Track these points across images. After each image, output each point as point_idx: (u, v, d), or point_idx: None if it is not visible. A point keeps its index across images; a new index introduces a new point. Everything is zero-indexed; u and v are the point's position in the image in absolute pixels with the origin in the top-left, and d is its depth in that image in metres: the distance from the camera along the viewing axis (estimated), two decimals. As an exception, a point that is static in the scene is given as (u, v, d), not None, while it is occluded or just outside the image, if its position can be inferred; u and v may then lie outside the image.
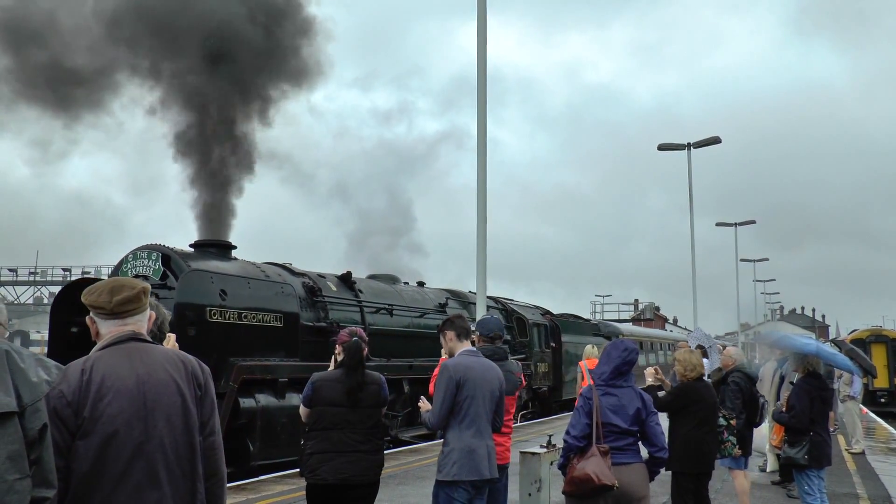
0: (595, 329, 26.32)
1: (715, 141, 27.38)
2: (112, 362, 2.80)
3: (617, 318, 75.66)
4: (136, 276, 11.05)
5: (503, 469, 5.98)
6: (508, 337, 18.13)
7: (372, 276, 16.44)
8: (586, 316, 35.42)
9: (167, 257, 10.96)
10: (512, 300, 21.20)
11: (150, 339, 3.02)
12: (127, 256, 11.30)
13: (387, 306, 14.65)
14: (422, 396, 5.61)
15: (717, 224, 42.79)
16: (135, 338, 2.92)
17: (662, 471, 5.48)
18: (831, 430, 8.08)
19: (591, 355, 13.97)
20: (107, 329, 2.93)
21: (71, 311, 9.97)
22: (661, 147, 28.00)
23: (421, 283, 17.57)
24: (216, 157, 12.68)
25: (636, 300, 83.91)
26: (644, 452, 5.24)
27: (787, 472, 9.31)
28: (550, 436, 7.42)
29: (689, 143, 27.68)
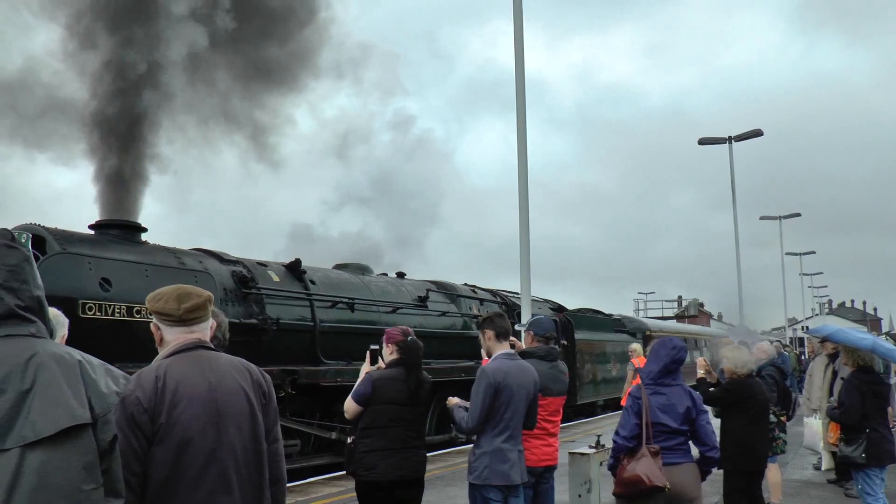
0: (617, 325, 23.68)
1: (757, 134, 26.54)
2: (184, 369, 2.89)
3: (661, 315, 73.43)
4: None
5: (550, 470, 6.02)
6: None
7: (339, 266, 14.21)
8: (630, 314, 33.09)
9: (41, 239, 8.86)
10: (516, 293, 18.80)
11: (214, 347, 3.13)
12: (-1, 239, 9.23)
13: (346, 300, 12.36)
14: (451, 399, 5.64)
15: (762, 218, 41.38)
16: (201, 345, 3.03)
17: (714, 470, 5.43)
18: (891, 426, 7.41)
19: (639, 353, 14.29)
20: (172, 336, 3.03)
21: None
22: (702, 141, 27.00)
23: (400, 274, 15.25)
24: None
25: (679, 297, 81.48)
26: (694, 452, 5.21)
27: (844, 470, 9.14)
28: (599, 436, 7.32)
29: (729, 137, 26.66)
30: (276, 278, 11.40)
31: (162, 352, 3.02)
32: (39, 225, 8.96)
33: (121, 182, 10.35)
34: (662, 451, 4.93)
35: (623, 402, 13.17)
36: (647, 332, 24.35)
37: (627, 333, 23.65)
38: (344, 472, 6.88)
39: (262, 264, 11.57)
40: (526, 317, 10.79)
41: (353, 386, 5.22)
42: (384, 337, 5.58)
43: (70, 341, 7.77)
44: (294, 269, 11.93)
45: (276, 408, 3.13)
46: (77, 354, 2.28)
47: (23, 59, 10.99)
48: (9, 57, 10.99)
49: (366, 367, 5.48)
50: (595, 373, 20.74)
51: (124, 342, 8.50)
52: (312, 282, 12.11)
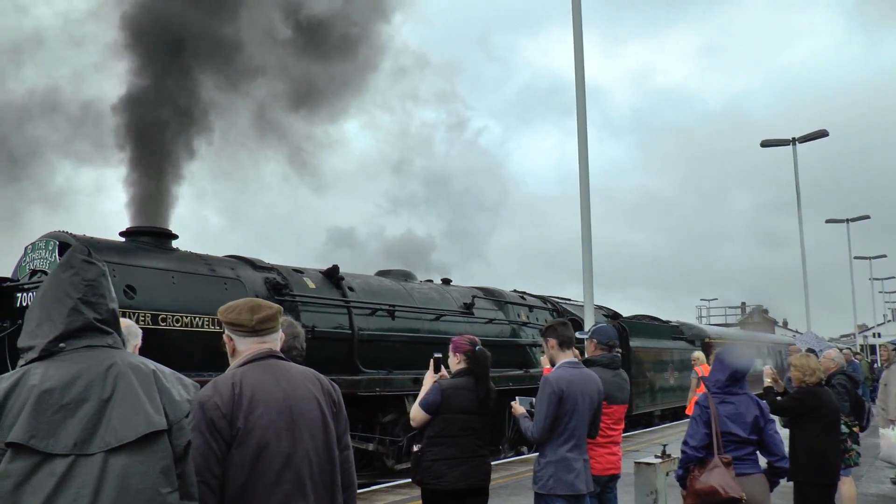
0: (675, 332, 22.82)
1: (822, 134, 25.84)
2: (258, 377, 2.99)
3: (724, 321, 71.70)
4: (34, 272, 8.83)
5: (615, 479, 5.98)
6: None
7: (382, 273, 13.81)
8: (692, 321, 32.19)
9: (67, 247, 8.65)
10: (568, 300, 18.20)
11: (285, 357, 3.22)
12: (26, 248, 9.06)
13: (386, 307, 11.94)
14: (516, 399, 5.70)
15: (828, 221, 40.07)
16: (273, 355, 3.13)
17: (782, 482, 5.37)
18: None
19: (702, 361, 14.12)
20: (245, 346, 3.14)
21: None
22: (765, 143, 26.42)
23: (446, 281, 14.79)
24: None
25: (742, 303, 79.53)
26: (762, 462, 5.12)
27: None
28: (665, 445, 7.12)
29: (793, 139, 25.94)
30: (311, 285, 11.04)
31: (235, 361, 3.14)
32: (67, 232, 8.77)
33: (152, 188, 10.13)
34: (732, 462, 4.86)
35: (689, 412, 12.60)
36: (707, 340, 23.47)
37: (685, 341, 22.80)
38: (409, 480, 6.84)
39: (299, 271, 11.22)
40: (589, 324, 10.48)
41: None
42: (451, 346, 5.62)
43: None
44: (332, 276, 11.55)
45: (346, 416, 3.23)
46: (151, 364, 2.40)
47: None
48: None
49: (430, 376, 5.53)
50: (652, 381, 19.96)
51: (149, 351, 8.20)
52: (351, 288, 11.72)
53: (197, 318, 8.87)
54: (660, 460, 6.79)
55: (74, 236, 8.68)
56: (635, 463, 6.94)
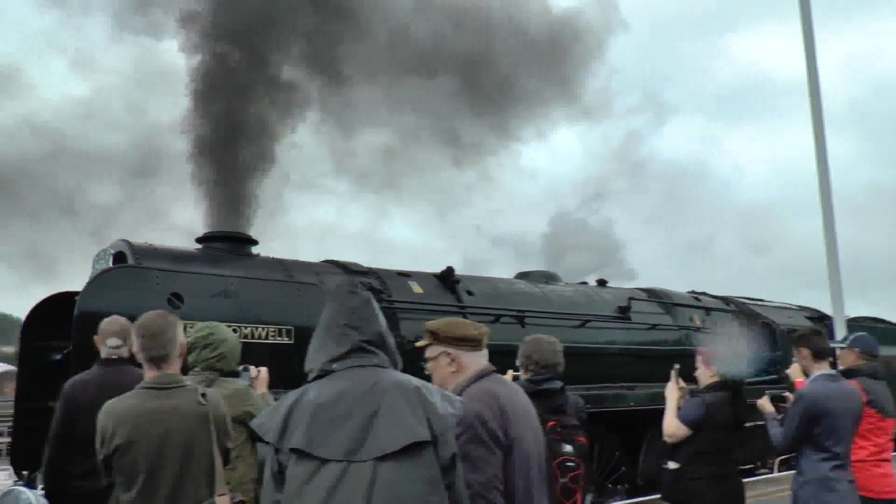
0: (909, 336, 19.08)
1: None
2: (502, 390, 3.20)
3: None
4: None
5: None
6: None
7: (521, 275, 12.13)
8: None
9: (121, 255, 7.83)
10: (760, 301, 15.50)
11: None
12: (93, 261, 8.40)
13: (514, 312, 10.23)
14: (765, 394, 5.72)
15: None
16: (493, 370, 3.31)
17: None
18: None
19: None
20: (471, 361, 3.27)
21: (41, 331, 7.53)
22: None
23: (601, 282, 12.81)
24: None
25: None
26: None
27: None
28: None
29: None
30: (417, 290, 9.60)
31: (464, 376, 3.25)
32: (125, 241, 7.97)
33: (233, 189, 9.23)
34: None
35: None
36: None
37: (925, 346, 18.99)
38: (640, 499, 6.91)
39: (405, 274, 9.84)
40: (840, 333, 9.89)
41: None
42: (701, 358, 5.61)
43: (130, 362, 6.63)
44: (445, 279, 10.08)
45: None
46: (415, 381, 2.62)
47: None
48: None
49: (673, 388, 5.58)
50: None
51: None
52: (470, 293, 10.17)
53: (260, 329, 7.70)
54: None
55: (131, 244, 7.84)
56: None
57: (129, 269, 7.30)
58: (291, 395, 2.58)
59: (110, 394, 3.68)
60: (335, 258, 9.68)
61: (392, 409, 2.44)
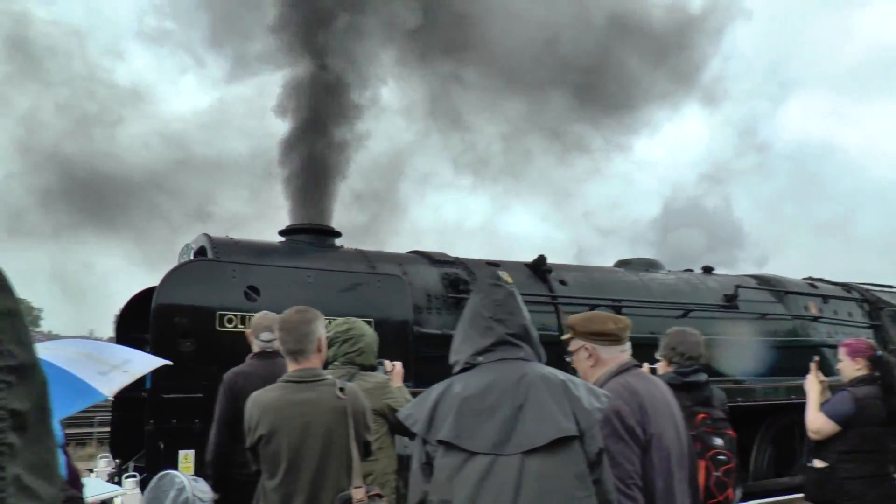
0: None
1: None
2: (641, 385, 3.12)
3: None
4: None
5: None
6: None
7: (621, 263, 11.59)
8: None
9: (202, 250, 7.83)
10: (889, 287, 14.34)
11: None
12: (179, 253, 8.47)
13: (609, 301, 9.73)
14: None
15: None
16: (635, 364, 3.27)
17: None
18: None
19: None
20: (610, 355, 3.24)
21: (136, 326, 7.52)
22: None
23: (707, 269, 12.09)
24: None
25: None
26: None
27: None
28: None
29: None
30: (507, 279, 9.24)
31: (602, 371, 3.23)
32: (208, 235, 7.98)
33: (317, 182, 9.15)
34: None
35: None
36: None
37: None
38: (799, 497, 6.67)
39: (494, 264, 9.50)
40: None
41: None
42: (846, 350, 5.29)
43: (205, 356, 6.58)
44: (536, 268, 9.68)
45: None
46: (561, 375, 2.58)
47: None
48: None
49: (814, 382, 5.29)
50: None
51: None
52: (563, 282, 9.74)
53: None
54: None
55: (211, 239, 7.84)
56: None
57: (204, 262, 7.28)
58: (437, 387, 2.62)
59: (272, 384, 3.81)
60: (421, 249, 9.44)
61: (538, 402, 2.44)
